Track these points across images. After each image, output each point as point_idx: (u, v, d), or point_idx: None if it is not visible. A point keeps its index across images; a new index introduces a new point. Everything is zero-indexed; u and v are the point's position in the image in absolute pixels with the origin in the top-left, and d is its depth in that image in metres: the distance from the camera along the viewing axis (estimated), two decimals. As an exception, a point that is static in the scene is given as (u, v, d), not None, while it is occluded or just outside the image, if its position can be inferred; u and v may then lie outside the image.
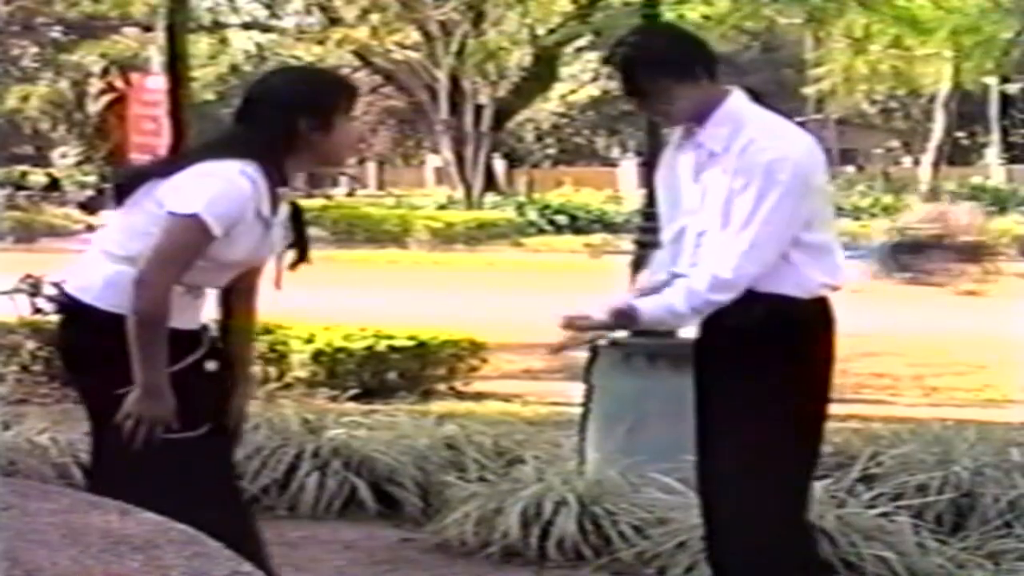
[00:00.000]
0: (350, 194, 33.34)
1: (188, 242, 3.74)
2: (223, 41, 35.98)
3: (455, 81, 35.16)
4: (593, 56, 47.95)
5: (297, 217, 3.94)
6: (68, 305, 3.95)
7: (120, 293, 3.79)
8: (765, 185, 3.81)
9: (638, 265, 10.09)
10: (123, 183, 4.00)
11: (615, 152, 53.72)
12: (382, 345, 9.29)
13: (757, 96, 4.04)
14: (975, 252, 14.37)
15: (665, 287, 3.99)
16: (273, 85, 4.03)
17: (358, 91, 4.14)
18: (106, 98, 43.00)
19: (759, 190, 3.81)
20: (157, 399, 3.81)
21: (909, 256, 14.74)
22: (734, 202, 3.83)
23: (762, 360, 3.89)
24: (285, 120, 3.84)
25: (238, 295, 4.07)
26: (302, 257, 3.96)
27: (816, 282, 3.96)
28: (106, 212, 4.27)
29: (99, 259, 3.90)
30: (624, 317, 3.96)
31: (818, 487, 5.11)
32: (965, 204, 18.38)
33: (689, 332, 4.09)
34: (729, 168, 3.86)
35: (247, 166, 3.77)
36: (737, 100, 3.97)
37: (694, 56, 4.01)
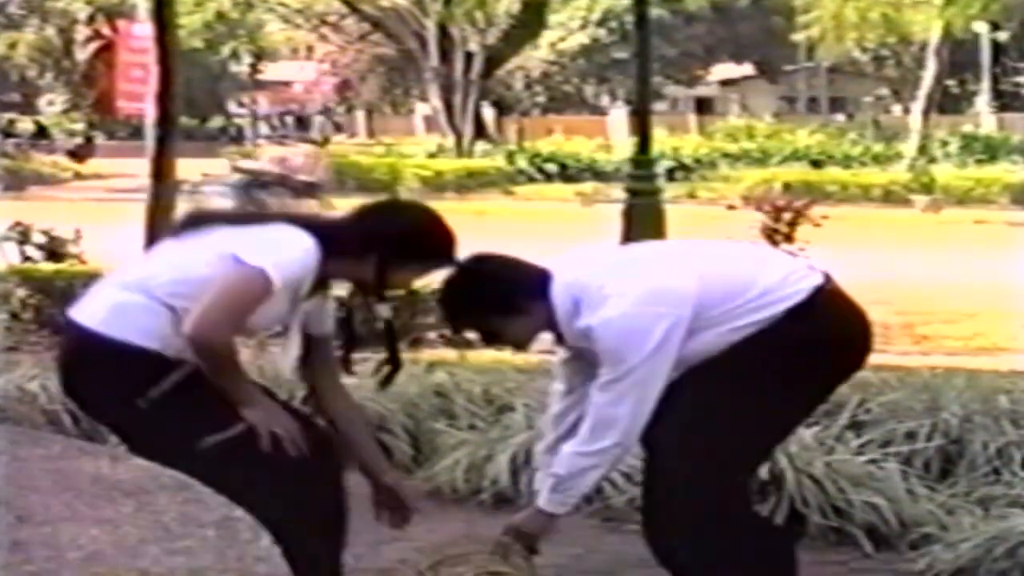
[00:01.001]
0: (325, 141, 32.93)
1: (250, 294, 3.66)
2: (211, -12, 35.70)
3: (444, 29, 34.97)
4: (583, 3, 47.80)
5: (390, 331, 4.06)
6: (70, 332, 3.86)
7: (124, 320, 3.70)
8: (628, 355, 3.79)
9: (629, 214, 10.13)
10: (191, 220, 3.97)
11: (605, 100, 53.55)
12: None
13: None
14: (310, 191, 16.66)
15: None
16: (403, 223, 3.98)
17: (450, 263, 4.03)
18: (93, 45, 42.83)
19: (626, 363, 3.79)
20: (275, 415, 3.79)
21: (261, 193, 16.51)
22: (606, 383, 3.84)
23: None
24: (384, 250, 3.85)
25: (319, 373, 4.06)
26: (395, 370, 4.07)
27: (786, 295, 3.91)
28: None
29: (111, 288, 3.82)
30: (540, 520, 3.94)
31: (807, 434, 5.14)
32: (304, 147, 20.71)
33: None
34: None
35: (314, 247, 3.75)
36: (559, 295, 3.91)
37: (512, 290, 3.98)
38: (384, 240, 3.87)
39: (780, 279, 3.89)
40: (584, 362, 4.01)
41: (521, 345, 4.12)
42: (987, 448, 5.30)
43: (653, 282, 3.87)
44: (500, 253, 4.14)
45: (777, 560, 4.00)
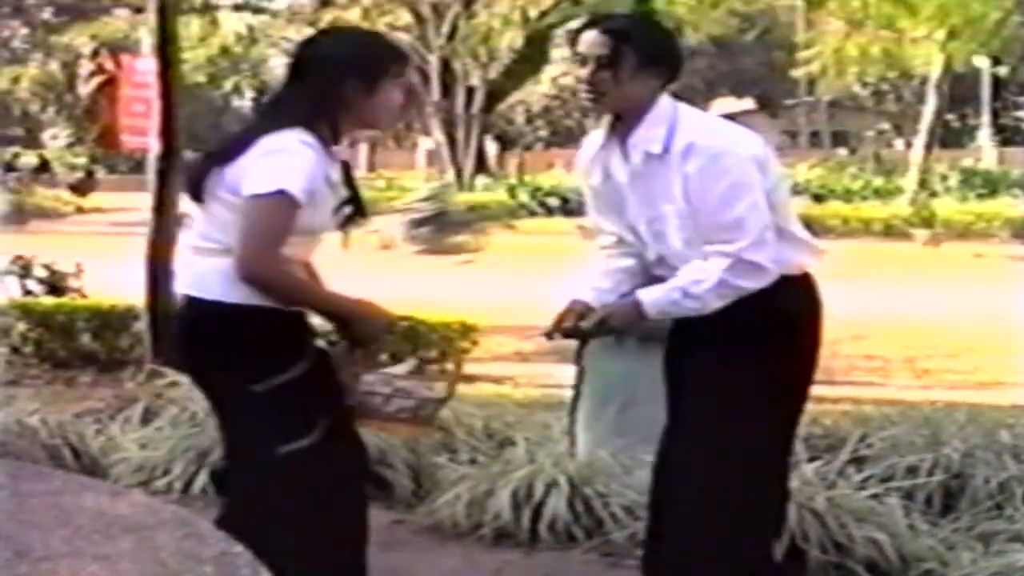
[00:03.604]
0: None
1: (279, 218, 3.68)
2: (214, 22, 35.86)
3: (446, 63, 35.11)
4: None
5: (348, 174, 3.90)
6: (189, 305, 3.84)
7: (235, 283, 3.71)
8: (723, 178, 3.82)
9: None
10: (192, 178, 3.92)
11: (606, 134, 53.64)
12: (374, 327, 9.24)
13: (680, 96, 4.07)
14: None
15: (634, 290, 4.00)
16: (323, 46, 3.97)
17: (408, 57, 4.05)
18: (96, 80, 42.87)
19: (721, 185, 3.82)
20: (361, 320, 3.84)
21: (423, 229, 17.00)
22: (703, 202, 3.83)
23: (745, 348, 3.89)
24: (333, 81, 3.80)
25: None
26: (359, 212, 3.92)
27: (795, 262, 3.97)
28: (189, 205, 4.10)
29: (200, 258, 3.82)
30: (630, 316, 3.93)
31: (808, 469, 5.13)
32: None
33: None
34: (676, 170, 3.86)
35: (301, 134, 3.73)
36: (667, 102, 3.98)
37: (667, 54, 4.02)
38: (347, 80, 3.79)
39: None
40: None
41: (607, 103, 3.97)
42: (988, 483, 5.29)
43: None
44: None
45: None
